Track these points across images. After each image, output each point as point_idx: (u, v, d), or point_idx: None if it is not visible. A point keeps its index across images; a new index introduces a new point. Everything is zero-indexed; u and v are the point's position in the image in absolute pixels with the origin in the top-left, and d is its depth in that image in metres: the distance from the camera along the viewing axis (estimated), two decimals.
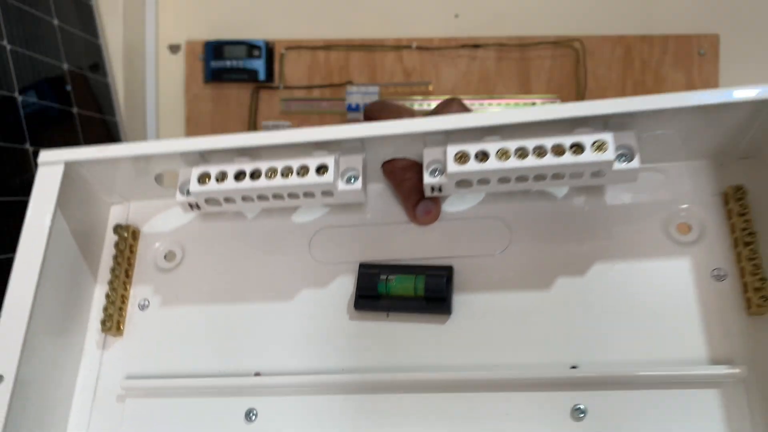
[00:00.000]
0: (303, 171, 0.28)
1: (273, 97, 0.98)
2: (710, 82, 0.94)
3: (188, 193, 0.29)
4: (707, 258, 0.28)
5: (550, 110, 0.25)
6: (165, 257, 0.34)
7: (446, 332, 0.29)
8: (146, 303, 0.33)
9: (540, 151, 0.25)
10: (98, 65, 0.88)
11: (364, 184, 0.28)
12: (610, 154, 0.25)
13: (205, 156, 0.29)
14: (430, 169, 0.28)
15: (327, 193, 0.28)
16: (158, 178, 0.32)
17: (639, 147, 0.26)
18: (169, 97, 1.01)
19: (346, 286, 0.31)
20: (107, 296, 0.32)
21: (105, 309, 0.32)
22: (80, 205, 0.31)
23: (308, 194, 0.29)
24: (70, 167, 0.30)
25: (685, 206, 0.29)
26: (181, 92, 1.00)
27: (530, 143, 0.26)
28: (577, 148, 0.25)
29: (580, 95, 0.95)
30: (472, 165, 0.26)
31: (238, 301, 0.32)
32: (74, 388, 0.32)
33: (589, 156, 0.25)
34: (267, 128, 0.97)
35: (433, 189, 0.28)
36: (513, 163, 0.25)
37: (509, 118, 0.26)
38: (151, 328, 0.32)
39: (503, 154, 0.26)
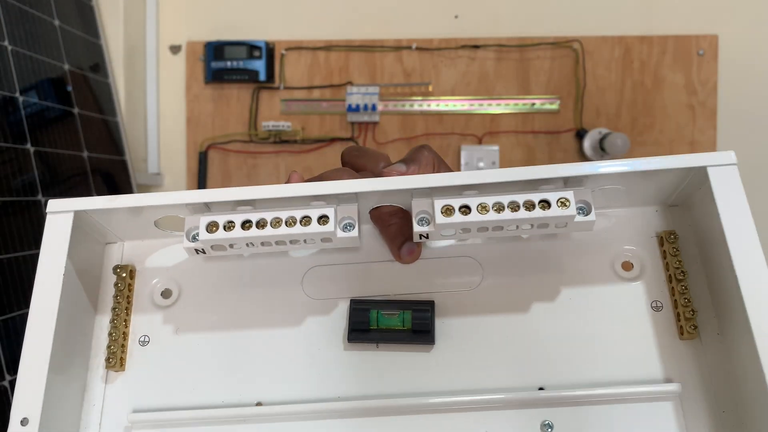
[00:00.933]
0: (305, 221, 0.31)
1: (273, 97, 0.99)
2: (709, 82, 0.95)
3: (194, 239, 0.32)
4: (647, 291, 0.33)
5: (519, 172, 0.30)
6: (161, 294, 0.36)
7: (430, 360, 0.33)
8: (146, 339, 0.35)
9: (514, 206, 0.30)
10: (99, 66, 0.89)
11: (360, 231, 0.32)
12: (572, 209, 0.30)
13: (209, 205, 0.32)
14: (419, 218, 0.32)
15: (326, 239, 0.32)
16: (157, 223, 0.34)
17: (594, 201, 0.31)
18: (169, 97, 1.01)
19: (337, 319, 0.35)
20: (110, 335, 0.34)
21: (108, 347, 0.34)
22: (78, 246, 0.33)
23: (309, 240, 0.32)
24: (77, 215, 0.32)
25: (627, 247, 0.34)
26: (181, 93, 1.01)
27: (504, 198, 0.30)
28: (545, 204, 0.30)
29: (579, 95, 0.96)
30: (457, 217, 0.30)
31: (237, 335, 0.35)
32: (79, 423, 0.33)
33: (555, 211, 0.30)
34: (267, 129, 0.97)
35: (421, 236, 0.32)
36: (491, 216, 0.30)
37: (483, 178, 0.30)
38: (153, 362, 0.34)
39: (483, 208, 0.30)
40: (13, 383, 0.60)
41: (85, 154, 0.80)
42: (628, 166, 0.30)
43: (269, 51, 0.98)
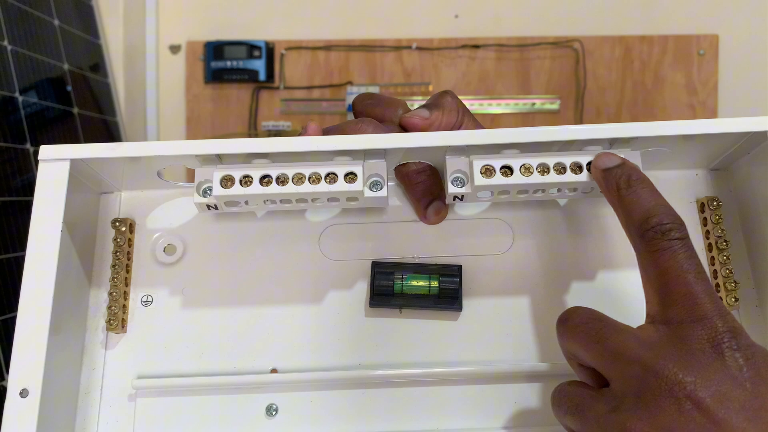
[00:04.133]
0: (331, 178, 0.28)
1: (273, 97, 0.98)
2: (709, 82, 0.95)
3: (206, 194, 0.29)
4: None
5: (566, 131, 0.28)
6: (164, 251, 0.33)
7: (457, 327, 0.31)
8: (149, 299, 0.32)
9: (559, 168, 0.28)
10: (99, 65, 0.89)
11: (388, 190, 0.30)
12: None
13: (221, 156, 0.29)
14: (453, 177, 0.29)
15: (352, 198, 0.29)
16: (160, 173, 0.31)
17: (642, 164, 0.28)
18: (169, 97, 1.01)
19: (357, 282, 0.32)
20: (110, 294, 0.31)
21: (109, 307, 0.31)
22: (71, 196, 0.29)
23: (333, 199, 0.29)
24: (74, 164, 0.29)
25: None
26: (181, 92, 1.01)
27: (549, 160, 0.28)
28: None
29: (579, 95, 0.96)
30: (498, 179, 0.28)
31: (248, 297, 0.32)
32: (78, 389, 0.31)
33: None
34: (266, 129, 0.97)
35: (455, 198, 0.29)
36: (535, 178, 0.28)
37: (528, 136, 0.28)
38: (157, 325, 0.32)
39: (527, 170, 0.28)
40: None
41: None
42: (686, 128, 0.28)
43: (269, 51, 0.98)
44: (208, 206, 0.29)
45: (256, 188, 0.28)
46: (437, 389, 0.30)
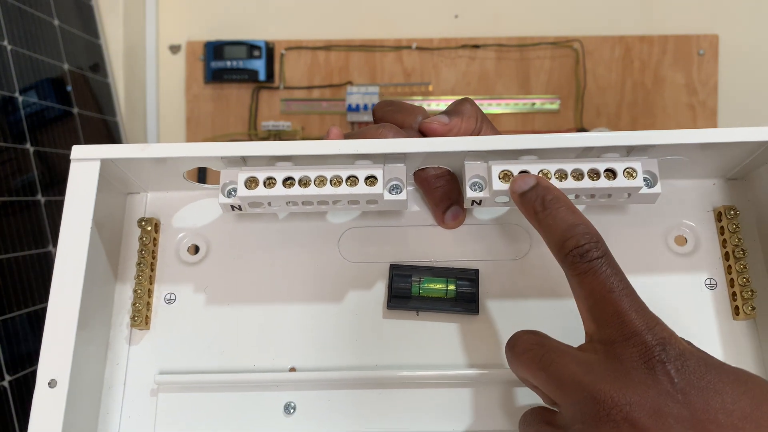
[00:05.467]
0: (352, 181, 0.29)
1: (273, 97, 0.98)
2: (709, 82, 0.95)
3: (230, 194, 0.30)
4: (701, 268, 0.32)
5: (585, 138, 0.28)
6: (188, 250, 0.34)
7: (473, 331, 0.32)
8: (172, 297, 0.33)
9: (577, 175, 0.28)
10: (99, 65, 0.89)
11: (407, 194, 0.30)
12: (639, 180, 0.28)
13: (246, 159, 0.30)
14: (471, 182, 0.29)
15: (372, 201, 0.30)
16: (186, 175, 0.32)
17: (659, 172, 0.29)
18: (169, 97, 1.01)
19: (375, 284, 0.33)
20: (135, 291, 0.32)
21: (133, 304, 0.32)
22: (100, 196, 0.30)
23: (353, 201, 0.30)
24: (103, 164, 0.30)
25: (681, 220, 0.33)
26: (181, 92, 1.01)
27: (567, 166, 0.28)
28: (610, 173, 0.28)
29: (579, 95, 0.96)
30: None
31: (268, 296, 0.33)
32: (102, 384, 0.32)
33: (621, 181, 0.28)
34: (266, 129, 0.97)
35: (473, 202, 0.30)
36: (553, 183, 0.28)
37: (547, 142, 0.28)
38: (180, 322, 0.33)
39: (544, 175, 0.28)
40: (12, 384, 0.60)
41: None
42: (706, 136, 0.28)
43: (269, 51, 0.98)
44: (232, 207, 0.30)
45: (279, 190, 0.29)
46: (453, 391, 0.31)
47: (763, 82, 0.95)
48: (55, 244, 0.65)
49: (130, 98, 0.95)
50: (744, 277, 0.30)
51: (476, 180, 0.29)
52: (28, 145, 0.68)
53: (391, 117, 0.34)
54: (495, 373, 0.30)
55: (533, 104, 0.96)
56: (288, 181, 0.29)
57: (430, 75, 0.97)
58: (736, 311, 0.31)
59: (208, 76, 0.98)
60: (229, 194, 0.30)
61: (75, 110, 0.80)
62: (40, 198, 0.68)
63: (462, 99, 0.35)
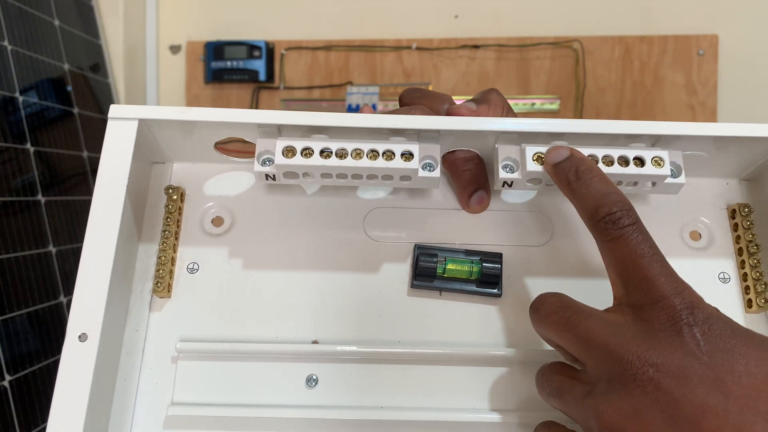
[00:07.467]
0: (388, 155, 0.29)
1: (273, 97, 0.99)
2: (709, 82, 0.95)
3: (265, 164, 0.30)
4: (714, 262, 0.33)
5: (615, 125, 0.29)
6: (212, 222, 0.34)
7: (495, 312, 0.32)
8: (195, 266, 0.33)
9: (608, 160, 0.29)
10: (99, 66, 0.89)
11: (441, 172, 0.31)
12: (666, 169, 0.29)
13: (281, 130, 0.30)
14: (503, 164, 0.30)
15: (405, 177, 0.30)
16: (216, 144, 0.32)
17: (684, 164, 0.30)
18: (169, 97, 1.01)
19: (399, 264, 0.33)
20: (159, 259, 0.32)
21: (157, 271, 0.32)
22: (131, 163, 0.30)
23: (386, 177, 0.30)
24: (141, 125, 0.30)
25: (697, 216, 0.34)
26: (181, 93, 1.01)
27: (598, 151, 0.29)
28: (638, 161, 0.29)
29: (579, 95, 0.96)
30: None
31: (292, 270, 0.33)
32: (121, 348, 0.31)
33: (649, 169, 0.29)
34: None
35: (504, 183, 0.30)
36: None
37: (579, 127, 0.29)
38: (202, 291, 0.33)
39: None
40: (12, 383, 0.60)
41: (85, 154, 0.80)
42: (732, 130, 0.29)
43: (269, 51, 0.98)
44: (267, 176, 0.30)
45: (316, 160, 0.29)
46: (475, 369, 0.31)
47: (762, 82, 0.95)
48: (55, 245, 0.65)
49: (131, 98, 0.95)
50: (758, 271, 0.31)
51: (508, 162, 0.30)
52: (28, 145, 0.68)
53: (419, 102, 0.35)
54: (517, 354, 0.31)
55: (533, 104, 0.96)
56: (325, 153, 0.29)
57: (430, 75, 0.98)
58: (749, 304, 0.32)
59: (208, 77, 0.98)
60: (264, 163, 0.30)
61: (75, 110, 0.80)
62: (41, 198, 0.68)
63: (489, 89, 0.36)
